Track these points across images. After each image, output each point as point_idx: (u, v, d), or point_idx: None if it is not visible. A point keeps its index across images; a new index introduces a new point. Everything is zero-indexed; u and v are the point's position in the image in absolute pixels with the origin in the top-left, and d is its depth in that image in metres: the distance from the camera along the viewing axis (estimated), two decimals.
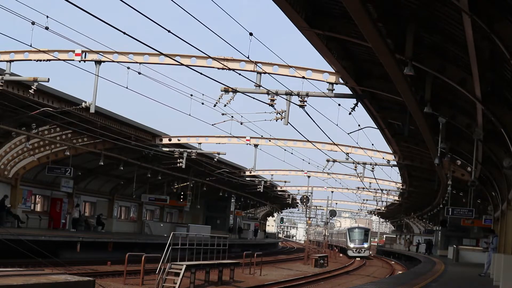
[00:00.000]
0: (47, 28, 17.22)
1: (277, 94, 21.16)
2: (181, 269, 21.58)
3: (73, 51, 22.12)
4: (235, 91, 21.21)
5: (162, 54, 19.31)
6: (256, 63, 20.44)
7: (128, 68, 21.96)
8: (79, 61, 22.07)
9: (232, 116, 25.40)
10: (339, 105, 23.23)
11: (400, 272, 38.40)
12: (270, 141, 36.72)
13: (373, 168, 37.89)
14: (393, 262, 57.36)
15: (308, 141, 32.83)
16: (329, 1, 15.13)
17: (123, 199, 52.55)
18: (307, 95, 21.17)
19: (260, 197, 69.83)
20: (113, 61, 22.12)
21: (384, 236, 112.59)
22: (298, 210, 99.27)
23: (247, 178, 52.93)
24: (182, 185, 55.41)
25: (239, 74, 19.56)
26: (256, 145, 37.04)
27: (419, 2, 13.06)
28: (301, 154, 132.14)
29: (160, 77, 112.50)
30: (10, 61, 23.14)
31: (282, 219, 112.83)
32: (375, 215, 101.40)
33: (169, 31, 13.87)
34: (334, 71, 20.40)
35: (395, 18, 14.02)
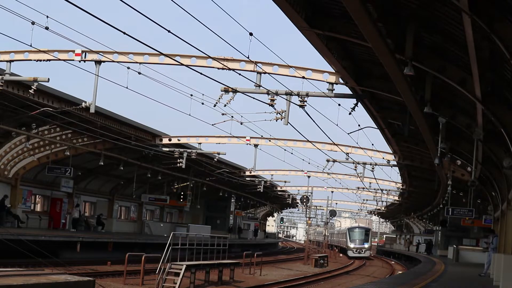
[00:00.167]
0: (47, 28, 17.22)
1: (277, 94, 21.16)
2: (181, 269, 21.58)
3: (73, 51, 22.12)
4: (235, 91, 21.21)
5: (162, 54, 19.31)
6: (256, 63, 20.44)
7: (128, 68, 21.97)
8: (79, 61, 22.07)
9: (232, 116, 25.40)
10: (339, 105, 23.25)
11: (400, 272, 38.40)
12: (270, 141, 36.72)
13: (373, 168, 37.90)
14: (393, 262, 57.36)
15: (308, 141, 32.83)
16: (329, 1, 15.13)
17: (123, 199, 52.56)
18: (307, 95, 21.17)
19: (260, 197, 69.82)
20: (113, 61, 22.12)
21: (384, 236, 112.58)
22: (298, 210, 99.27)
23: (247, 178, 52.94)
24: (182, 185, 55.41)
25: (239, 74, 19.56)
26: (256, 145, 37.05)
27: (419, 2, 13.06)
28: (301, 154, 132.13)
29: (160, 77, 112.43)
30: (10, 61, 23.14)
31: (282, 219, 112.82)
32: (375, 215, 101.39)
33: (169, 31, 13.88)
34: (334, 71, 20.40)
35: (395, 18, 14.03)
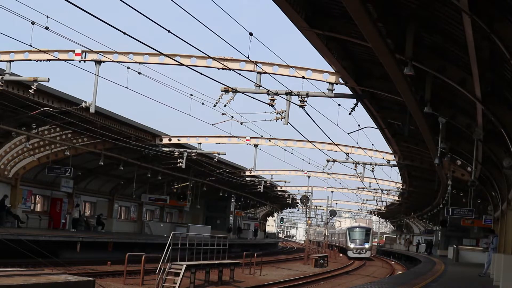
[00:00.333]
0: (47, 28, 17.22)
1: (277, 94, 21.16)
2: (181, 269, 21.58)
3: (73, 51, 22.12)
4: (235, 91, 21.21)
5: (162, 54, 19.31)
6: (256, 63, 20.44)
7: (128, 68, 21.97)
8: (79, 61, 22.07)
9: (232, 116, 25.40)
10: (339, 105, 23.26)
11: (400, 272, 38.40)
12: (270, 141, 36.72)
13: (373, 168, 37.90)
14: (393, 262, 57.36)
15: (308, 141, 32.83)
16: (329, 1, 15.13)
17: (123, 199, 52.56)
18: (307, 95, 21.17)
19: (260, 197, 69.82)
20: (113, 61, 22.12)
21: (384, 236, 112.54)
22: (298, 210, 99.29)
23: (247, 178, 52.94)
24: (182, 185, 55.42)
25: (239, 74, 19.56)
26: (256, 145, 37.05)
27: (419, 2, 13.06)
28: (301, 154, 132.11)
29: (160, 77, 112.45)
30: (10, 61, 23.14)
31: (282, 219, 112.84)
32: (375, 215, 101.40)
33: (169, 31, 13.88)
34: (334, 71, 20.40)
35: (395, 18, 14.03)
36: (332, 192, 66.40)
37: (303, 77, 20.65)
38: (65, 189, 41.63)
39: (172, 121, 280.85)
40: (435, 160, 22.23)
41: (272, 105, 21.23)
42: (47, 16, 17.20)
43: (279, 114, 21.51)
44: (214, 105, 21.88)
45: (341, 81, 20.74)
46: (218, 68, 20.80)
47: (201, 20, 14.11)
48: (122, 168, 41.77)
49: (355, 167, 37.77)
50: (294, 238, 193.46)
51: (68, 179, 40.48)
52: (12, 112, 28.76)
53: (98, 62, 21.97)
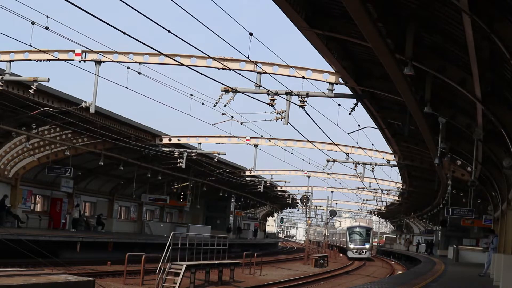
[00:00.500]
0: (47, 28, 17.22)
1: (277, 94, 21.16)
2: (181, 269, 21.58)
3: (73, 51, 22.12)
4: (235, 91, 21.21)
5: (162, 54, 19.31)
6: (256, 63, 20.44)
7: (128, 68, 21.97)
8: (79, 61, 22.07)
9: (232, 116, 25.40)
10: (339, 105, 23.26)
11: (400, 272, 38.40)
12: (270, 141, 36.72)
13: (373, 168, 37.90)
14: (393, 262, 57.34)
15: (308, 141, 32.83)
16: (329, 1, 15.13)
17: (123, 199, 52.56)
18: (307, 95, 21.17)
19: (260, 197, 69.82)
20: (113, 61, 22.12)
21: (384, 236, 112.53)
22: (298, 210, 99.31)
23: (247, 178, 52.94)
24: (182, 185, 55.42)
25: (239, 74, 19.56)
26: (256, 145, 37.05)
27: (419, 2, 13.06)
28: (301, 154, 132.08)
29: (160, 77, 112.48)
30: (10, 61, 23.14)
31: (282, 219, 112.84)
32: (375, 215, 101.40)
33: (169, 31, 13.88)
34: (334, 71, 20.40)
35: (395, 18, 14.03)
36: (332, 192, 66.44)
37: (303, 77, 20.65)
38: (65, 189, 41.63)
39: (172, 121, 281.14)
40: (435, 160, 22.23)
41: (272, 105, 21.23)
42: (47, 16, 17.20)
43: (279, 114, 21.51)
44: (214, 105, 21.90)
45: (341, 81, 20.74)
46: (218, 68, 20.80)
47: (201, 20, 14.13)
48: (122, 168, 41.78)
49: (355, 167, 37.78)
50: (294, 238, 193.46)
51: (68, 179, 40.48)
52: (12, 112, 28.76)
53: (98, 62, 21.97)
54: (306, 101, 21.12)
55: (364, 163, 37.98)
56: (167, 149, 37.87)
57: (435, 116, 18.93)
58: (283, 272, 35.27)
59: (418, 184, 43.33)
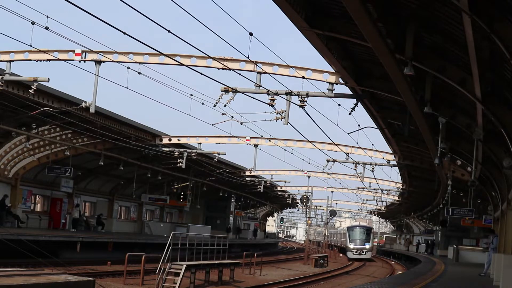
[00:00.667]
0: (47, 28, 17.22)
1: (277, 94, 21.16)
2: (181, 269, 21.58)
3: (73, 51, 22.12)
4: (235, 91, 21.22)
5: (162, 54, 19.31)
6: (256, 63, 20.45)
7: (128, 68, 21.97)
8: (79, 61, 22.07)
9: (232, 116, 25.40)
10: (339, 105, 23.26)
11: (400, 272, 38.40)
12: (270, 141, 36.72)
13: (373, 168, 37.90)
14: (393, 262, 57.33)
15: (308, 141, 32.83)
16: (329, 1, 15.13)
17: (123, 199, 52.56)
18: (307, 95, 21.18)
19: (260, 197, 69.81)
20: (113, 61, 22.12)
21: (384, 236, 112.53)
22: (298, 210, 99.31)
23: (247, 178, 52.94)
24: (182, 185, 55.42)
25: (239, 74, 19.56)
26: (256, 145, 37.05)
27: (419, 2, 13.06)
28: (301, 154, 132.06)
29: (160, 77, 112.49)
30: (10, 61, 23.14)
31: (282, 219, 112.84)
32: (375, 215, 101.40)
33: (169, 31, 13.88)
34: (334, 71, 20.40)
35: (395, 18, 14.03)
36: (332, 192, 66.39)
37: (303, 77, 20.66)
38: (65, 189, 41.63)
39: (172, 121, 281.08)
40: (435, 160, 22.23)
41: (272, 105, 21.23)
42: (47, 16, 17.21)
43: (279, 114, 21.51)
44: (214, 105, 21.90)
45: (341, 81, 20.74)
46: (218, 68, 20.80)
47: (201, 20, 14.13)
48: (122, 168, 41.78)
49: (355, 167, 37.79)
50: (294, 238, 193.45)
51: (68, 179, 40.48)
52: (12, 112, 28.76)
53: (98, 62, 21.97)
54: (306, 101, 21.13)
55: (364, 163, 37.99)
56: (167, 149, 37.87)
57: (435, 116, 18.93)
58: (283, 272, 35.27)
59: (418, 184, 43.33)
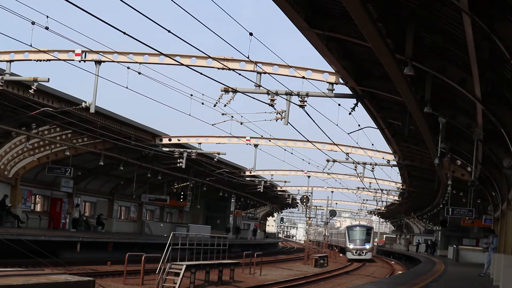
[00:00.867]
0: (47, 28, 17.22)
1: (277, 94, 21.16)
2: (181, 269, 21.58)
3: (73, 51, 22.12)
4: (235, 91, 21.21)
5: (162, 54, 19.31)
6: (256, 63, 20.44)
7: (128, 68, 21.96)
8: (79, 61, 22.07)
9: (232, 116, 25.40)
10: (339, 105, 23.26)
11: (400, 272, 38.40)
12: (270, 141, 36.72)
13: (373, 168, 37.90)
14: (393, 262, 57.31)
15: (308, 141, 32.83)
16: (329, 1, 15.13)
17: (123, 199, 52.56)
18: (307, 95, 21.17)
19: (260, 197, 69.81)
20: (113, 61, 22.12)
21: (384, 236, 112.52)
22: (298, 210, 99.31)
23: (247, 178, 52.94)
24: (182, 185, 55.42)
25: (239, 74, 19.56)
26: (256, 145, 37.05)
27: (419, 2, 13.06)
28: (301, 154, 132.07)
29: (160, 77, 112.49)
30: (10, 61, 23.13)
31: (282, 219, 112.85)
32: (375, 215, 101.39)
33: (169, 31, 13.88)
34: (334, 71, 20.40)
35: (395, 18, 14.03)
36: (332, 192, 66.38)
37: (303, 77, 20.65)
38: (65, 189, 41.63)
39: (172, 121, 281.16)
40: (435, 160, 22.23)
41: (272, 105, 21.23)
42: (47, 16, 17.20)
43: (279, 114, 21.51)
44: (214, 105, 21.90)
45: (341, 81, 20.74)
46: (218, 68, 20.80)
47: (201, 20, 14.13)
48: (122, 168, 41.78)
49: (355, 167, 37.78)
50: (294, 238, 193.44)
51: (68, 179, 40.48)
52: (12, 112, 28.76)
53: (98, 62, 21.97)
54: (306, 101, 21.12)
55: (364, 163, 37.98)
56: (167, 149, 37.86)
57: (435, 116, 18.93)
58: (283, 272, 35.27)
59: (418, 184, 43.33)
